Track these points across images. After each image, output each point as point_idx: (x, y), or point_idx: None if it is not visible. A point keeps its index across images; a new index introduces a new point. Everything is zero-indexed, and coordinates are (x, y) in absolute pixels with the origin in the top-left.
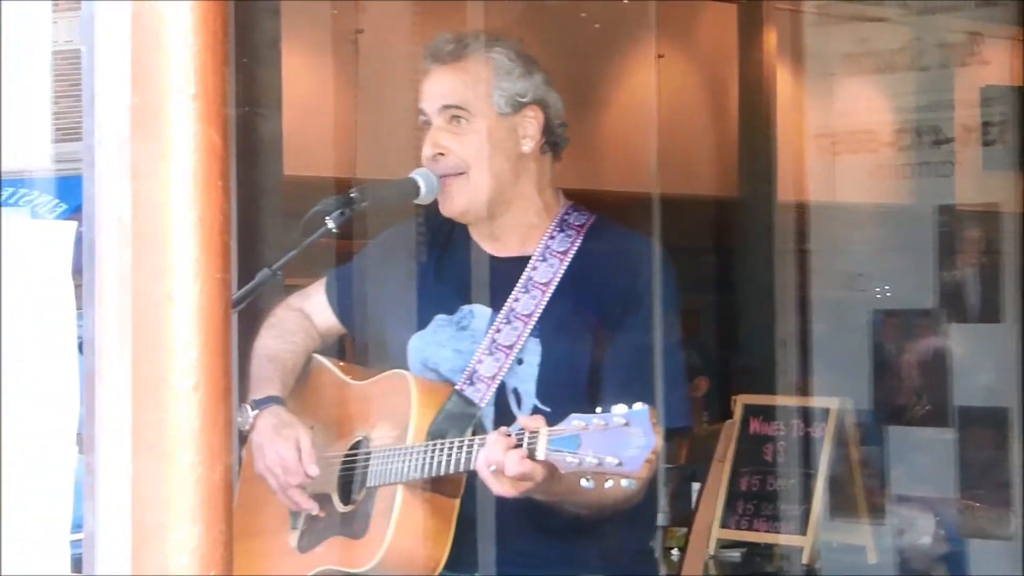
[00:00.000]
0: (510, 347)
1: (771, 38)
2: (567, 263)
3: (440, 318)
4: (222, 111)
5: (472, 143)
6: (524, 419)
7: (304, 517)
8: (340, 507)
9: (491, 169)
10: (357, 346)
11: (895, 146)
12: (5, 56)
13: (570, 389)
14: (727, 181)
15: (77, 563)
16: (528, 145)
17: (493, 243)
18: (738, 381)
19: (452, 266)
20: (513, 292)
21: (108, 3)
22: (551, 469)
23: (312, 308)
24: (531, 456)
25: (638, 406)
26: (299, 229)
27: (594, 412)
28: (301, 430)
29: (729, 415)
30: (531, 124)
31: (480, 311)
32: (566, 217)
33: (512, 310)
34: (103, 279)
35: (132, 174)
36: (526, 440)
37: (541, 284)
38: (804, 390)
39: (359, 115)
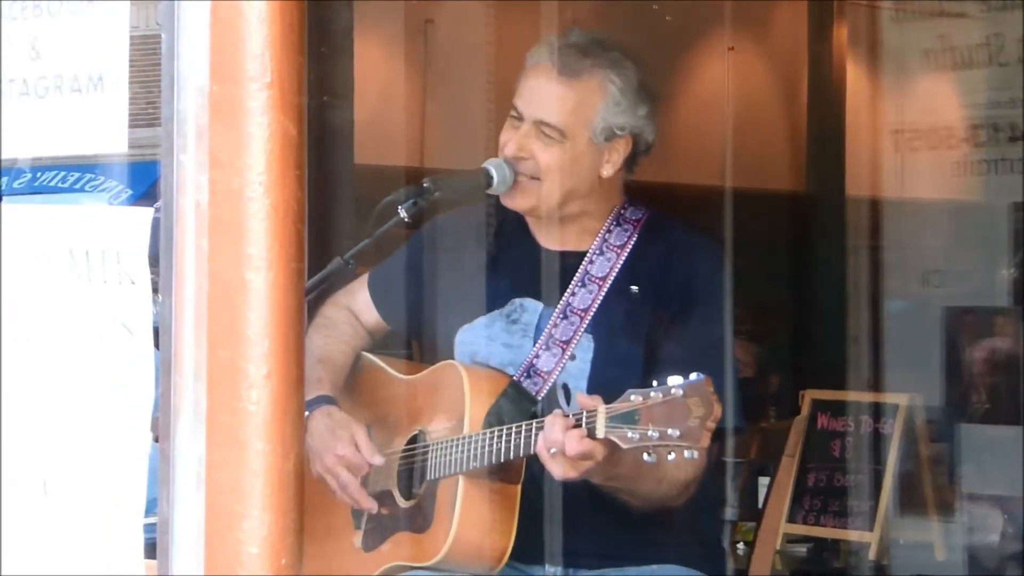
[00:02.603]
0: (567, 342)
1: (842, 33)
2: (624, 257)
3: (488, 315)
4: (297, 100)
5: (556, 158)
6: (582, 398)
7: (367, 516)
8: (402, 503)
9: (566, 184)
10: (404, 342)
11: (971, 142)
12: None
13: (619, 386)
14: (797, 175)
15: (151, 548)
16: (608, 171)
17: (550, 237)
18: (810, 377)
19: (505, 259)
20: (570, 286)
21: None
22: (612, 448)
23: (358, 306)
24: (591, 435)
25: (694, 376)
26: (372, 219)
27: (650, 387)
28: (355, 426)
29: (799, 411)
30: (618, 153)
31: (531, 305)
32: (623, 212)
33: (569, 304)
34: (181, 265)
35: (210, 162)
36: (584, 419)
37: (598, 278)
38: (876, 386)
39: (428, 105)
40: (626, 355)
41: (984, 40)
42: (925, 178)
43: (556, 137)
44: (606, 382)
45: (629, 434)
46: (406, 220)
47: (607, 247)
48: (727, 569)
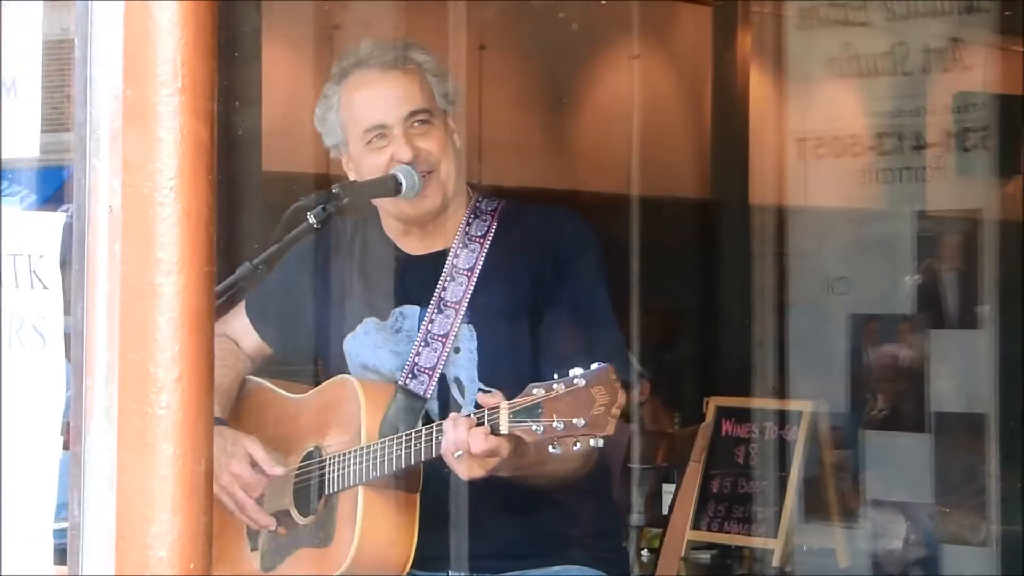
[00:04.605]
0: (445, 336)
1: (746, 40)
2: (487, 246)
3: (370, 321)
4: (209, 104)
5: (439, 140)
6: (482, 396)
7: (264, 537)
8: (300, 520)
9: (454, 164)
10: (287, 362)
11: (876, 150)
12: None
13: (512, 369)
14: (702, 183)
15: (60, 553)
16: (459, 140)
17: (413, 242)
18: (715, 384)
19: (373, 269)
20: (439, 281)
21: None
22: (516, 442)
23: (236, 332)
24: (494, 432)
25: (595, 365)
26: (280, 224)
27: (552, 379)
28: (248, 441)
29: (704, 417)
30: (455, 120)
31: (411, 311)
32: (478, 204)
33: (441, 299)
34: (93, 270)
35: (122, 166)
36: (487, 417)
37: (465, 270)
38: (781, 393)
39: None
40: (512, 339)
41: (889, 49)
42: (829, 186)
43: (427, 120)
44: (497, 369)
45: (534, 427)
46: (315, 226)
47: (469, 239)
48: (631, 572)
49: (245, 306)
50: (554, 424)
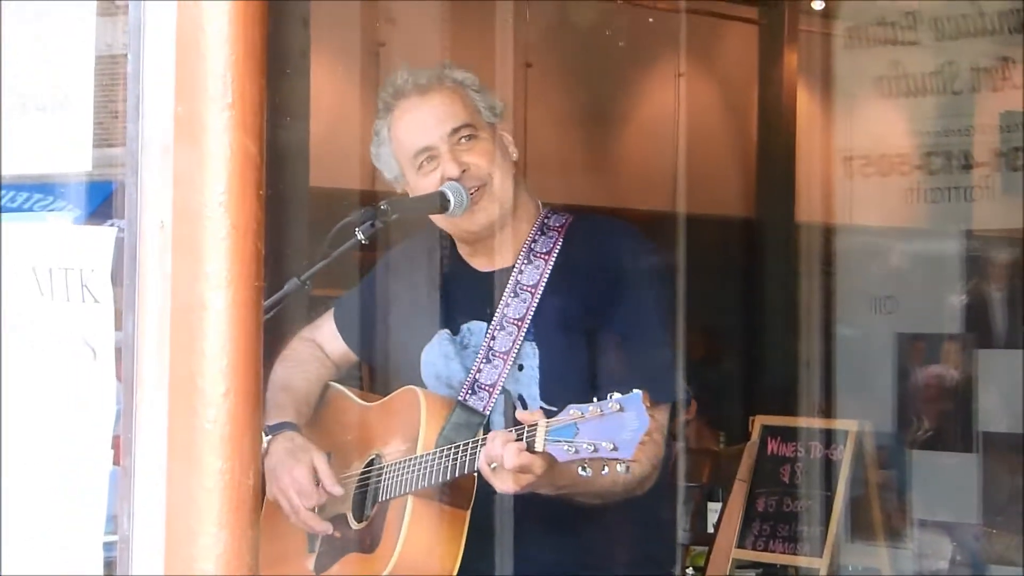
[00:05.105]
0: (507, 352)
1: (793, 59)
2: (552, 263)
3: (444, 333)
4: (258, 120)
5: (487, 153)
6: (522, 413)
7: (321, 539)
8: (354, 524)
9: (508, 175)
10: (372, 371)
11: (923, 169)
12: (48, 60)
13: (573, 387)
14: (747, 201)
15: (109, 565)
16: (515, 153)
17: (481, 259)
18: (760, 402)
19: (449, 286)
20: (503, 298)
21: (154, 11)
22: (551, 461)
23: (323, 338)
24: (530, 448)
25: (633, 391)
26: (327, 240)
27: (592, 401)
28: (315, 453)
29: (749, 436)
30: (507, 131)
31: (477, 327)
32: (546, 220)
33: (504, 316)
34: (144, 284)
35: (173, 181)
36: (525, 433)
37: (529, 287)
38: (827, 412)
39: None
40: (571, 357)
41: (937, 68)
42: (876, 205)
43: (473, 135)
44: (558, 387)
45: (565, 447)
46: (363, 242)
47: (534, 256)
48: None
49: (334, 313)
50: (585, 446)
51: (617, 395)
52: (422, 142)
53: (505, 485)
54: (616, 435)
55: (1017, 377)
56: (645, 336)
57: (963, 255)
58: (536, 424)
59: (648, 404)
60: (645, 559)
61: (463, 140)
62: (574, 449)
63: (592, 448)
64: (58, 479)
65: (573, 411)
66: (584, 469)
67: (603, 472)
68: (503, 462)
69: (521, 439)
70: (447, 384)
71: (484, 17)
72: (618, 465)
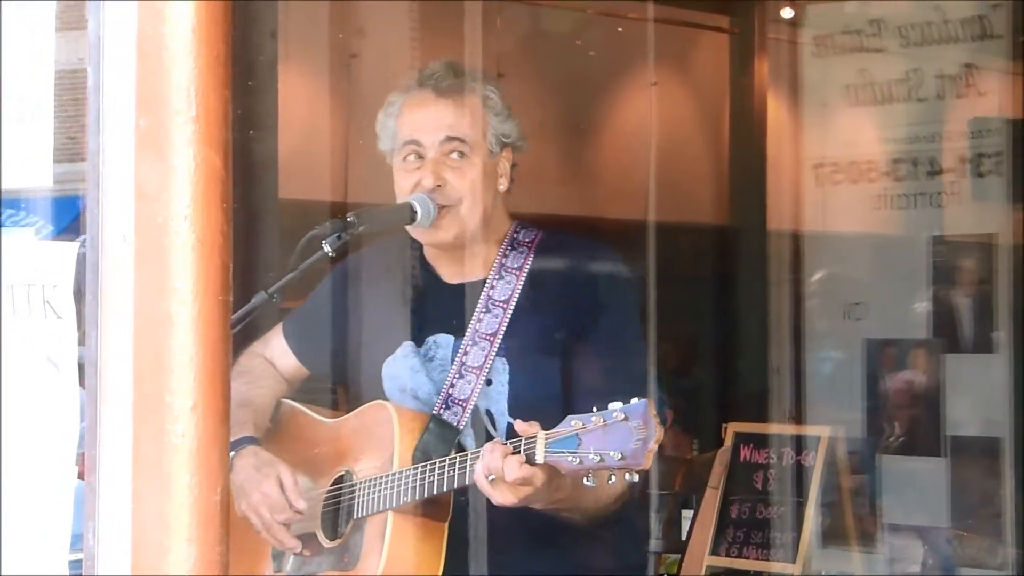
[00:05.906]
0: (479, 367)
1: (763, 68)
2: (523, 279)
3: (408, 345)
4: (223, 133)
5: (469, 177)
6: (520, 425)
7: (289, 559)
8: (326, 543)
9: (480, 204)
10: (328, 387)
11: (891, 176)
12: (8, 73)
13: (541, 404)
14: (720, 209)
15: None
16: (504, 185)
17: (451, 271)
18: (733, 409)
19: (413, 297)
20: (475, 313)
21: (114, 23)
22: (551, 473)
23: (273, 353)
24: (529, 461)
25: (635, 400)
26: (296, 252)
27: (590, 411)
28: (281, 467)
29: (722, 443)
30: (505, 165)
31: (444, 340)
32: (515, 235)
33: (477, 331)
34: (106, 298)
35: (136, 195)
36: (523, 445)
37: (501, 302)
38: (798, 418)
39: (352, 140)
40: (543, 375)
41: (903, 75)
42: (846, 212)
43: (465, 153)
44: (526, 403)
45: (569, 459)
46: (330, 255)
47: (505, 271)
48: None
49: (282, 327)
50: (591, 456)
51: (619, 404)
52: (415, 136)
53: (503, 497)
54: (623, 444)
55: (985, 381)
56: (621, 353)
57: (931, 261)
58: (535, 436)
59: (652, 413)
60: (624, 567)
61: (453, 154)
62: (578, 460)
63: (598, 459)
64: (23, 496)
65: (574, 422)
66: (589, 479)
67: (610, 481)
68: (503, 475)
69: (519, 451)
70: (413, 396)
71: (455, 27)
72: (627, 474)
